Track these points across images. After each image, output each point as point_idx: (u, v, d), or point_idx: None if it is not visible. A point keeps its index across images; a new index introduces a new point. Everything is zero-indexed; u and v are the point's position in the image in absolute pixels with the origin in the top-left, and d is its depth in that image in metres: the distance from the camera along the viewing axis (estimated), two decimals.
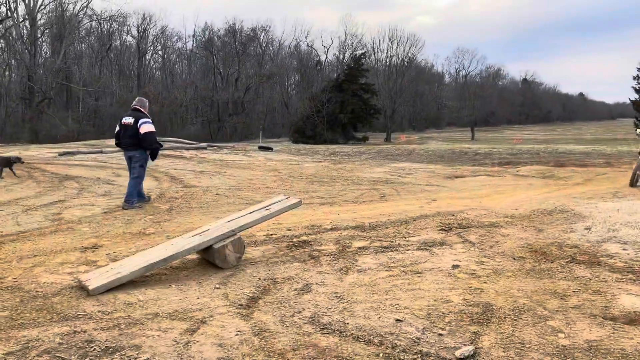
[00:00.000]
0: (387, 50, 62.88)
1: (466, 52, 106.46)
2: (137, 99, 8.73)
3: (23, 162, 11.85)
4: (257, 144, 30.88)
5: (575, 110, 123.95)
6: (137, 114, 8.33)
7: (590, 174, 13.84)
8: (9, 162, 11.15)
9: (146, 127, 8.20)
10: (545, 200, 7.96)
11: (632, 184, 9.71)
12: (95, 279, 4.09)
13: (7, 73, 48.69)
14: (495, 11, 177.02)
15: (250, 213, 5.19)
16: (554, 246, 5.21)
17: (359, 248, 5.22)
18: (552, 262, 4.69)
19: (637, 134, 9.64)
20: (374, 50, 63.32)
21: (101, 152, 18.16)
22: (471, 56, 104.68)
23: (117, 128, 8.60)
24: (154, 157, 8.58)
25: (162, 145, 8.80)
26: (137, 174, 8.38)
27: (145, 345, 3.09)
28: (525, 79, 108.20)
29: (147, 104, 8.65)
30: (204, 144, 23.50)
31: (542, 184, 11.68)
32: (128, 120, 8.36)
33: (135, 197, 8.34)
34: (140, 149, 8.30)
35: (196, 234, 4.83)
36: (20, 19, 44.58)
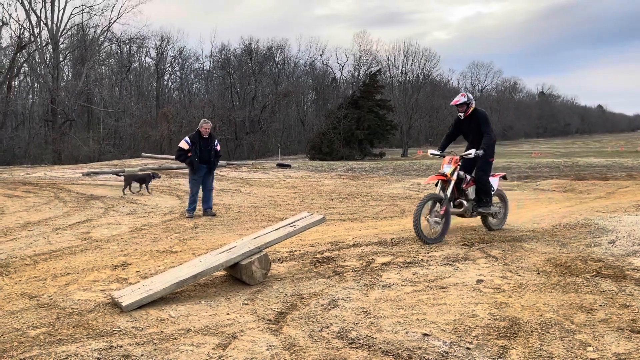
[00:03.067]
0: (402, 66, 63.24)
1: (482, 66, 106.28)
2: None
3: (160, 177, 12.91)
4: (275, 161, 31.12)
5: (594, 122, 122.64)
6: None
7: (612, 187, 13.71)
8: (148, 178, 12.21)
9: None
10: (567, 214, 7.93)
11: (418, 233, 5.99)
12: (127, 296, 4.21)
13: (30, 96, 50.02)
14: (510, 25, 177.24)
15: (275, 230, 5.29)
16: (579, 260, 5.21)
17: (383, 264, 5.27)
18: (577, 276, 4.70)
19: (430, 154, 7.10)
20: (388, 67, 63.74)
21: (123, 171, 18.50)
22: (487, 70, 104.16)
23: None
24: (195, 170, 9.36)
25: (186, 160, 9.32)
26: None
27: (179, 359, 3.18)
28: (542, 92, 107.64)
29: (204, 123, 9.44)
30: (223, 162, 23.80)
31: (563, 198, 11.61)
32: None
33: (188, 206, 9.41)
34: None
35: (223, 251, 4.95)
36: (44, 44, 45.86)
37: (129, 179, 12.27)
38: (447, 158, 6.53)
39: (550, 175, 17.84)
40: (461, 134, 6.98)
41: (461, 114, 6.72)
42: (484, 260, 5.34)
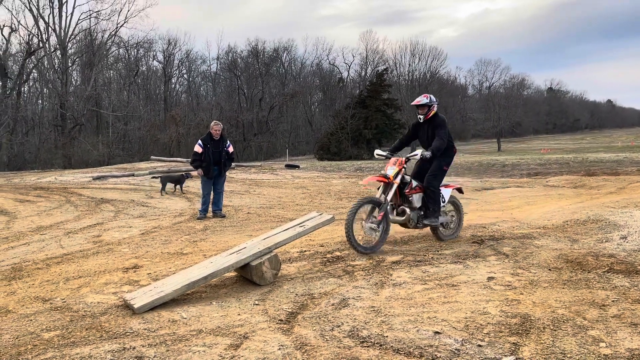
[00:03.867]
0: (409, 64, 63.20)
1: (489, 63, 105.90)
2: None
3: (191, 177, 13.70)
4: (284, 162, 31.17)
5: (604, 117, 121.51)
6: None
7: (623, 182, 13.58)
8: (182, 178, 13.23)
9: None
10: (578, 210, 7.88)
11: (350, 239, 5.50)
12: (139, 298, 4.25)
13: (40, 102, 50.45)
14: (517, 20, 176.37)
15: (284, 230, 5.30)
16: (590, 256, 5.17)
17: (393, 262, 5.27)
18: (588, 272, 4.67)
19: (376, 155, 6.51)
20: (395, 65, 63.65)
21: (133, 175, 18.62)
22: (494, 67, 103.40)
23: None
24: (203, 173, 9.47)
25: (196, 167, 9.50)
26: None
27: None
28: (550, 88, 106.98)
29: (214, 125, 9.56)
30: (232, 164, 23.89)
31: (573, 194, 11.52)
32: None
33: (201, 207, 9.55)
34: None
35: (234, 252, 4.97)
36: (52, 49, 46.24)
37: (165, 180, 12.98)
38: (392, 159, 5.99)
39: (560, 172, 17.73)
40: (417, 139, 6.45)
41: (421, 116, 6.23)
42: (494, 257, 5.33)
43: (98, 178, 17.98)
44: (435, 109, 6.25)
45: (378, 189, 5.99)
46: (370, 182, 6.10)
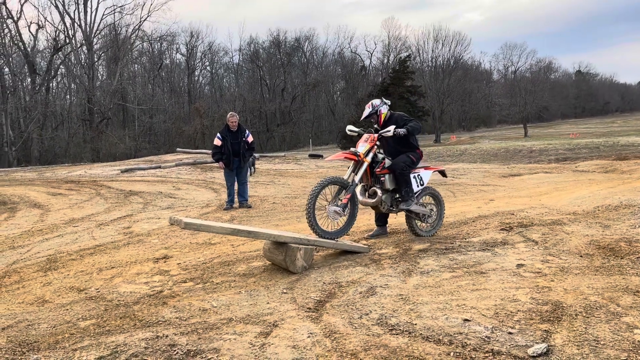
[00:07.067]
0: (432, 50, 62.20)
1: (514, 47, 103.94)
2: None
3: (258, 159, 15.50)
4: (307, 152, 31.23)
5: (635, 100, 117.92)
6: None
7: None
8: (253, 160, 14.88)
9: None
10: (609, 195, 7.70)
11: (312, 223, 4.99)
12: (189, 219, 4.58)
13: (68, 97, 51.51)
14: (544, 2, 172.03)
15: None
16: (623, 242, 5.06)
17: (420, 250, 5.25)
18: (621, 258, 4.57)
19: (348, 131, 5.88)
20: (418, 52, 62.82)
21: (159, 167, 18.89)
22: (520, 51, 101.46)
23: None
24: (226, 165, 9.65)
25: (217, 160, 9.66)
26: None
27: (223, 348, 3.26)
28: (579, 71, 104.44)
29: (230, 117, 9.63)
30: (255, 155, 24.03)
31: (604, 179, 11.27)
32: None
33: (227, 198, 9.78)
34: None
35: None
36: (78, 45, 47.06)
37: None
38: (364, 136, 5.48)
39: (590, 156, 17.36)
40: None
41: (376, 125, 5.79)
42: (523, 244, 5.26)
43: (126, 171, 18.29)
44: (384, 110, 5.81)
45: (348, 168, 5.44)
46: (337, 160, 5.68)
